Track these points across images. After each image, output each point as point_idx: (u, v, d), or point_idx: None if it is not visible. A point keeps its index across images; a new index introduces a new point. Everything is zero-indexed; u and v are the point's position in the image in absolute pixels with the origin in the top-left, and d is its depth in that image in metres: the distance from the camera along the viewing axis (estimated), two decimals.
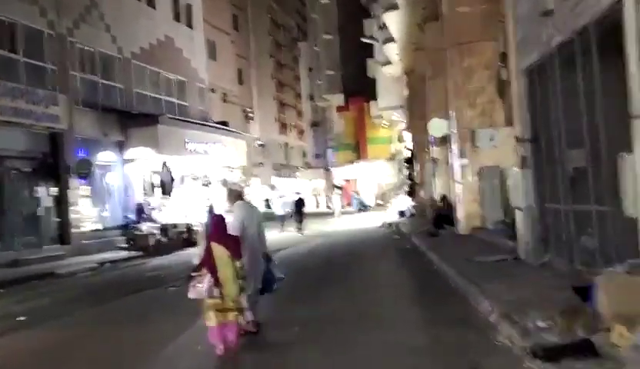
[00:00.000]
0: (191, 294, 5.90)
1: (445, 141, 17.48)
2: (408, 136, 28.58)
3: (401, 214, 26.61)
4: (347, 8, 49.38)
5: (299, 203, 25.69)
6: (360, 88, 47.79)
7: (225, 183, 25.47)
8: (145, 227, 20.02)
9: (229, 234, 6.15)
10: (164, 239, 20.16)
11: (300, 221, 24.81)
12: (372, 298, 8.58)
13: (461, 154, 14.94)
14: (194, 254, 7.33)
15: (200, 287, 5.79)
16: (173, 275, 12.42)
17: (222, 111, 32.85)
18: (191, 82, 26.44)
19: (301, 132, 76.42)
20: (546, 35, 7.99)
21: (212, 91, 32.46)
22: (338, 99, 53.13)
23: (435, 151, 18.17)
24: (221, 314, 5.78)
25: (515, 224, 12.91)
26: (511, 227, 12.69)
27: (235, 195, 7.05)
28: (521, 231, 9.63)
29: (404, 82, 28.79)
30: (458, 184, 14.99)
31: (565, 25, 7.28)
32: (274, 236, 24.77)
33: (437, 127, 15.58)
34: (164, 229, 20.27)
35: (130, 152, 21.18)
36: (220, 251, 5.85)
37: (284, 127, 67.67)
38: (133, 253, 18.85)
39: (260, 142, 54.83)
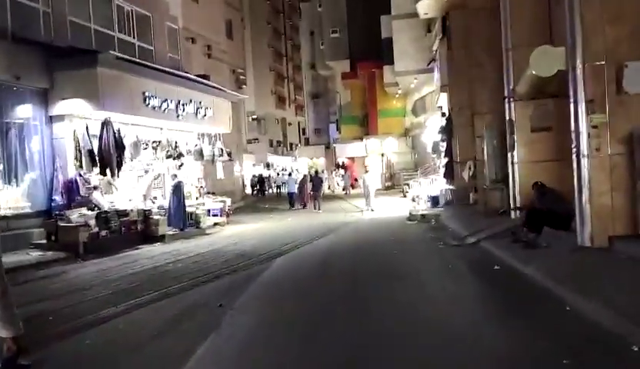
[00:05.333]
0: None
1: (535, 91, 11.07)
2: (443, 99, 21.97)
3: (434, 200, 20.21)
4: None
5: (317, 181, 25.75)
6: (369, 54, 41.57)
7: (199, 154, 19.01)
8: (75, 215, 13.59)
9: None
10: (104, 232, 13.83)
11: (316, 199, 24.80)
12: None
13: (591, 108, 8.49)
14: None
15: None
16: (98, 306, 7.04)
17: (205, 68, 26.10)
18: (159, 19, 19.70)
19: (300, 107, 70.24)
20: None
21: (192, 41, 25.84)
22: (344, 66, 46.40)
23: (516, 110, 11.69)
24: None
25: None
26: None
27: None
28: None
29: (436, 28, 22.27)
30: (585, 158, 8.55)
31: None
32: (274, 224, 19.43)
33: (546, 59, 9.03)
34: (103, 218, 13.87)
35: (59, 106, 14.63)
36: None
37: (281, 101, 61.52)
38: (53, 254, 12.61)
39: (255, 116, 49.38)
